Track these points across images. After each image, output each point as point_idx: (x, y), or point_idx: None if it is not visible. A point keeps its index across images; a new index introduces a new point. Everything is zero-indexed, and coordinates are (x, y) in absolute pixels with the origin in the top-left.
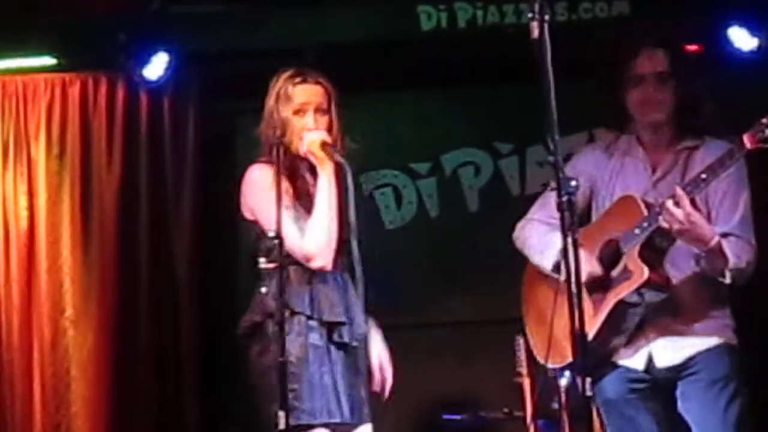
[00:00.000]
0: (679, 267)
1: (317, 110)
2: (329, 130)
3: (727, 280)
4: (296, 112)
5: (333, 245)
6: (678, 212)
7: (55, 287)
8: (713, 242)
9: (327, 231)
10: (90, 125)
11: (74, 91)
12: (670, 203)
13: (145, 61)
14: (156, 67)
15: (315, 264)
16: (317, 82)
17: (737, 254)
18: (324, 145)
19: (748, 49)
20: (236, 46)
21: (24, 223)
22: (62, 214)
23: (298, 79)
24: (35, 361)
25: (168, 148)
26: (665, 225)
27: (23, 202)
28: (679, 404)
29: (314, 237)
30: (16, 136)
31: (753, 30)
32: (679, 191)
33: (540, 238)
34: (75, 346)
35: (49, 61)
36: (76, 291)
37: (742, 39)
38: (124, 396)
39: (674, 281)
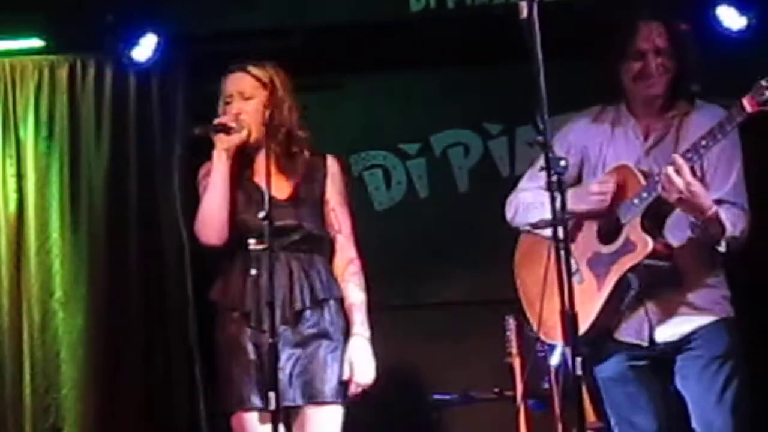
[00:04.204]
0: (675, 235)
1: (240, 97)
2: (262, 114)
3: (722, 249)
4: (227, 104)
5: (215, 222)
6: (678, 181)
7: (44, 269)
8: (711, 211)
9: (207, 208)
10: (78, 107)
11: (62, 73)
12: (671, 171)
13: (133, 42)
14: (144, 48)
15: (202, 240)
16: (243, 70)
17: (733, 222)
18: (217, 126)
19: (736, 29)
20: (225, 28)
21: (13, 206)
22: (51, 196)
23: (228, 72)
24: (25, 344)
25: (157, 129)
26: (664, 194)
27: (12, 184)
28: (677, 380)
29: (199, 214)
30: (5, 119)
31: (741, 8)
32: (680, 160)
33: (536, 196)
34: (65, 329)
35: (36, 43)
36: (66, 273)
37: (730, 18)
38: (113, 378)
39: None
